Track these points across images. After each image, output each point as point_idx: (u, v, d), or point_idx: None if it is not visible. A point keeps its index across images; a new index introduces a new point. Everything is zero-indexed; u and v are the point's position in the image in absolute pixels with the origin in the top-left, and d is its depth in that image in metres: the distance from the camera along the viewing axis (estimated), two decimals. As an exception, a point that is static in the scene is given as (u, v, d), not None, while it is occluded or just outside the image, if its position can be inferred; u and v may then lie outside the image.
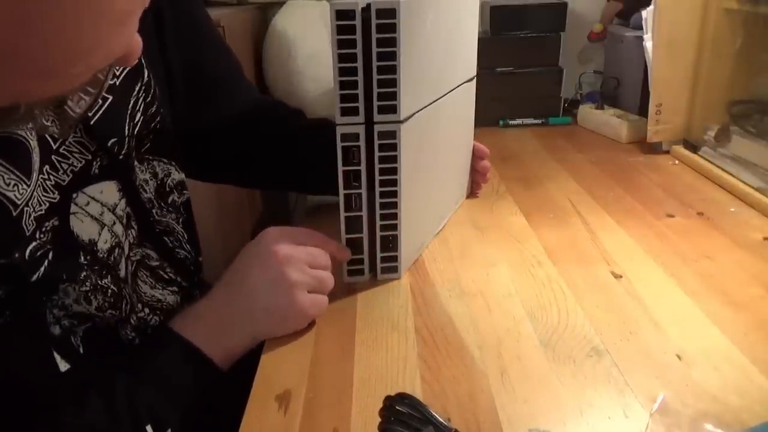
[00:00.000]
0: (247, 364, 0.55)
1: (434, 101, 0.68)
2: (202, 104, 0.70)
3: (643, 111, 1.12)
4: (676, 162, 1.02)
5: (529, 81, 1.26)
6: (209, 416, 0.54)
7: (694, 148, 1.02)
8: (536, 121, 1.27)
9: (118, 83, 0.55)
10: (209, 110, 0.71)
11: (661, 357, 0.52)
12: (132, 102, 0.57)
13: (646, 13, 1.03)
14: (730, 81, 1.00)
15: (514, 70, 1.26)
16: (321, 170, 0.70)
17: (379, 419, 0.41)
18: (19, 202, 0.45)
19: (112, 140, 0.54)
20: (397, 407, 0.41)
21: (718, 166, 0.94)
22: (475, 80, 0.82)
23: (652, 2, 1.00)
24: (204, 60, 0.70)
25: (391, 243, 0.64)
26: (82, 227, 0.51)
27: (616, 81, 1.26)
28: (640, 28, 1.06)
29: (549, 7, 1.25)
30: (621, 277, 0.65)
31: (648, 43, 1.03)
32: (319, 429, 0.46)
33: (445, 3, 0.67)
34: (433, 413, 0.40)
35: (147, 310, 0.60)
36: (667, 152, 1.06)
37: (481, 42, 0.82)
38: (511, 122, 1.26)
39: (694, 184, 0.92)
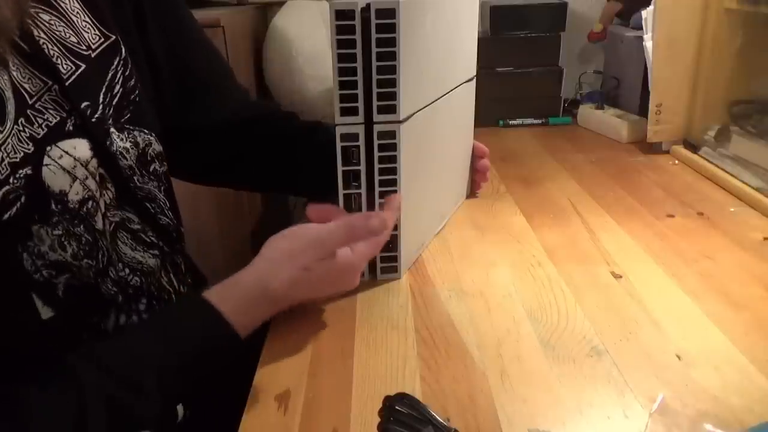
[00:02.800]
0: (247, 364, 0.55)
1: (434, 101, 0.68)
2: (190, 104, 0.71)
3: (643, 111, 1.12)
4: (676, 162, 1.02)
5: (529, 81, 1.26)
6: (209, 416, 0.54)
7: (694, 148, 1.02)
8: (536, 121, 1.26)
9: (93, 56, 0.58)
10: (197, 110, 0.72)
11: (661, 357, 0.52)
12: (111, 75, 0.60)
13: (646, 13, 1.03)
14: (730, 81, 1.00)
15: (514, 70, 1.26)
16: (313, 173, 0.70)
17: (378, 419, 0.41)
18: None
19: (85, 103, 0.56)
20: (396, 407, 0.41)
21: (718, 166, 0.94)
22: (474, 80, 0.82)
23: (652, 2, 1.00)
24: (190, 58, 0.71)
25: (391, 243, 0.64)
26: (54, 178, 0.53)
27: (616, 81, 1.26)
28: (640, 28, 1.06)
29: (549, 7, 1.25)
30: (621, 277, 0.65)
31: (648, 43, 1.03)
32: (318, 429, 0.46)
33: (445, 3, 0.67)
34: (433, 413, 0.40)
35: (127, 270, 0.61)
36: (667, 152, 1.06)
37: (481, 42, 0.82)
38: (511, 122, 1.26)
39: (694, 184, 0.92)
